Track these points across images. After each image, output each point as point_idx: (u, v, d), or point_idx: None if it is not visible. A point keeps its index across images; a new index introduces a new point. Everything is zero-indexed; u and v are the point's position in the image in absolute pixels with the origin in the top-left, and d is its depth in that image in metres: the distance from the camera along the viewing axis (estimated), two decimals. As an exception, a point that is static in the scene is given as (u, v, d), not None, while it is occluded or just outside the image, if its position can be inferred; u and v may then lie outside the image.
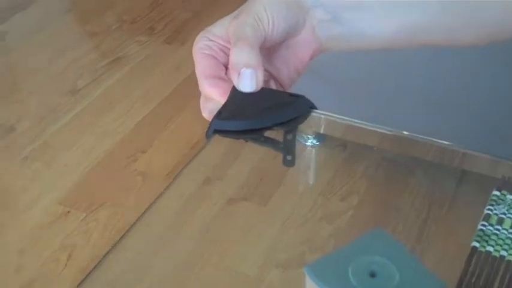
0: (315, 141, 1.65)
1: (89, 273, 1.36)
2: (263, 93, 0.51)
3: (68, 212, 1.55)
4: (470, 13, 0.54)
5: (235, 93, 0.51)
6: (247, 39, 0.50)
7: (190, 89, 1.95)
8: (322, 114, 1.47)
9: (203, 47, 0.53)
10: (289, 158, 0.50)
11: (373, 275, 0.58)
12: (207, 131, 0.50)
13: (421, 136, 1.37)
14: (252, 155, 1.62)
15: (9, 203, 1.58)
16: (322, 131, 1.57)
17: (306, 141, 1.66)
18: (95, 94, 1.96)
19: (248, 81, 0.50)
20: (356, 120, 1.43)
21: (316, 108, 0.52)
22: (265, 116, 0.50)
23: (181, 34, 2.23)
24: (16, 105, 1.92)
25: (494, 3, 0.54)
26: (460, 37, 0.56)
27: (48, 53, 2.14)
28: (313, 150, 1.65)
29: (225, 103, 0.51)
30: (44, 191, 1.61)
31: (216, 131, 0.50)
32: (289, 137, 0.50)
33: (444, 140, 1.36)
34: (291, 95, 0.52)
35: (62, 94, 1.96)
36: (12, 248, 1.46)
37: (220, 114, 0.50)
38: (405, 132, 1.37)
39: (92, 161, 1.70)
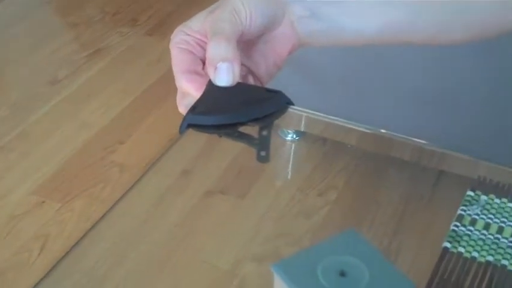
0: (294, 136, 1.64)
1: (58, 261, 1.35)
2: (239, 88, 0.50)
3: (43, 202, 1.53)
4: (454, 12, 0.54)
5: (210, 87, 0.50)
6: (224, 33, 0.50)
7: (171, 81, 1.92)
8: (299, 110, 1.46)
9: (180, 42, 0.52)
10: (263, 154, 0.49)
11: (342, 274, 0.57)
12: (181, 126, 0.49)
13: (399, 135, 1.36)
14: (231, 148, 1.62)
15: (-17, 193, 1.57)
16: (301, 128, 1.56)
17: (286, 136, 1.65)
18: (74, 85, 1.94)
19: (225, 76, 0.49)
20: (334, 118, 1.43)
21: (293, 104, 0.51)
22: (241, 111, 0.49)
23: (164, 26, 2.22)
24: (-6, 94, 1.91)
25: (477, 4, 0.54)
26: (443, 36, 0.56)
27: (29, 44, 2.12)
28: (293, 144, 1.65)
29: (200, 97, 0.50)
30: (19, 181, 1.60)
31: (190, 126, 0.49)
32: (265, 132, 0.49)
33: (423, 139, 1.36)
34: (268, 90, 0.51)
35: (41, 84, 1.94)
36: (-16, 238, 1.45)
37: (194, 109, 0.49)
38: (383, 131, 1.37)
39: (69, 151, 1.69)
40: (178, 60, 0.52)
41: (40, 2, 2.35)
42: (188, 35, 0.52)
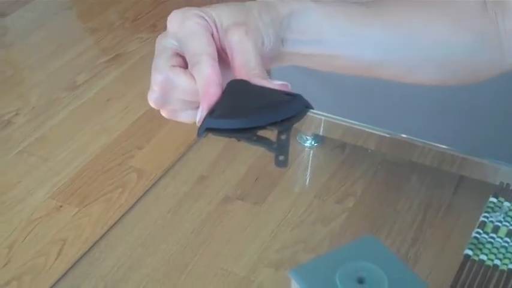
0: (313, 142, 1.63)
1: (74, 265, 1.35)
2: (258, 92, 0.49)
3: (60, 206, 1.53)
4: (424, 53, 0.55)
5: (229, 90, 0.49)
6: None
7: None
8: (319, 114, 1.45)
9: (202, 24, 0.50)
10: (281, 158, 0.47)
11: (361, 281, 0.56)
12: (199, 129, 0.48)
13: (419, 140, 1.35)
14: (249, 153, 1.61)
15: (1, 197, 1.57)
16: (320, 132, 1.55)
17: (305, 142, 1.64)
18: (93, 90, 1.95)
19: None
20: (354, 122, 1.41)
21: (312, 108, 0.49)
22: (260, 115, 0.48)
23: (184, 32, 2.22)
24: (15, 99, 1.92)
25: (448, 46, 0.54)
26: (413, 76, 0.57)
27: (49, 49, 2.13)
28: (311, 151, 1.64)
29: (218, 101, 0.49)
30: (37, 185, 1.60)
31: (208, 130, 0.48)
32: (283, 136, 0.48)
33: (444, 144, 1.34)
34: (287, 93, 0.50)
35: (61, 89, 1.95)
36: (2, 242, 1.45)
37: (213, 112, 0.48)
38: (404, 136, 1.36)
39: (88, 156, 1.69)
40: (207, 39, 0.50)
41: (61, 7, 2.36)
42: (208, 24, 0.50)
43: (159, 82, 0.50)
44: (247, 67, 0.49)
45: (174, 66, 0.50)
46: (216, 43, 0.50)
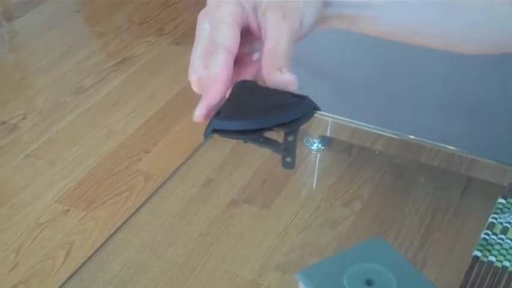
0: (320, 145, 1.63)
1: (79, 268, 1.35)
2: (265, 93, 0.49)
3: (68, 210, 1.53)
4: (472, 23, 0.53)
5: (236, 91, 0.49)
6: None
7: (197, 90, 1.93)
8: (326, 115, 1.45)
9: (236, 11, 0.49)
10: (288, 160, 0.47)
11: (369, 283, 0.55)
12: (206, 131, 0.48)
13: (427, 141, 1.34)
14: (256, 157, 1.60)
15: (8, 200, 1.57)
16: (327, 134, 1.54)
17: (312, 145, 1.63)
18: (100, 94, 1.95)
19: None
20: (361, 123, 1.40)
21: (319, 110, 0.49)
22: (267, 116, 0.48)
23: (191, 36, 2.21)
24: (23, 103, 1.92)
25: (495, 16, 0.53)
26: (461, 44, 0.55)
27: (57, 52, 2.13)
28: (318, 154, 1.63)
29: (225, 102, 0.49)
30: (44, 189, 1.60)
31: (215, 131, 0.48)
32: (290, 138, 0.47)
33: (452, 145, 1.33)
34: (294, 95, 0.50)
35: (68, 93, 1.95)
36: (9, 245, 1.45)
37: (219, 114, 0.48)
38: (411, 137, 1.35)
39: (95, 160, 1.69)
40: (237, 33, 0.49)
41: (69, 11, 2.37)
42: (244, 10, 0.50)
43: (195, 81, 0.50)
44: (273, 54, 0.48)
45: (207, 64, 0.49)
46: (252, 25, 0.50)
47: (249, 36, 0.51)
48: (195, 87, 0.52)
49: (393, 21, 0.53)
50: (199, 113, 0.48)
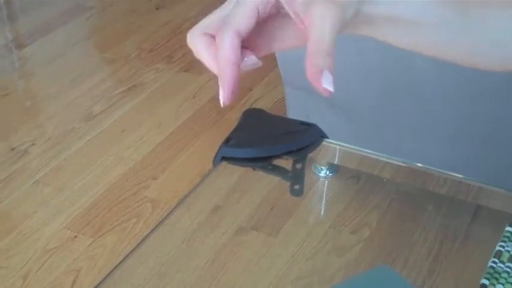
0: (328, 172, 1.62)
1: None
2: (273, 121, 0.49)
3: (75, 236, 1.53)
4: (491, 40, 0.52)
5: (244, 119, 0.49)
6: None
7: (205, 117, 1.94)
8: (334, 143, 1.45)
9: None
10: (297, 187, 0.47)
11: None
12: (215, 158, 0.48)
13: (435, 169, 1.34)
14: (264, 184, 1.60)
15: (16, 227, 1.58)
16: (335, 162, 1.54)
17: (320, 172, 1.63)
18: (109, 120, 1.96)
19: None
20: (369, 151, 1.40)
21: (327, 137, 0.50)
22: (275, 144, 0.48)
23: (200, 63, 2.23)
24: (32, 129, 1.93)
25: None
26: (481, 60, 0.53)
27: (67, 79, 2.15)
28: (326, 181, 1.63)
29: (234, 129, 0.49)
30: (52, 215, 1.60)
31: (224, 158, 0.48)
32: (299, 166, 0.48)
33: (460, 173, 1.33)
34: (302, 123, 0.50)
35: (77, 120, 1.96)
36: (17, 271, 1.45)
37: (228, 141, 0.49)
38: (419, 164, 1.35)
39: (103, 186, 1.69)
40: (247, 14, 0.48)
41: (80, 38, 2.39)
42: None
43: (189, 41, 0.50)
44: (321, 44, 0.46)
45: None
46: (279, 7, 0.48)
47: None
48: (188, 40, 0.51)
49: (427, 29, 0.50)
50: (225, 98, 0.46)
